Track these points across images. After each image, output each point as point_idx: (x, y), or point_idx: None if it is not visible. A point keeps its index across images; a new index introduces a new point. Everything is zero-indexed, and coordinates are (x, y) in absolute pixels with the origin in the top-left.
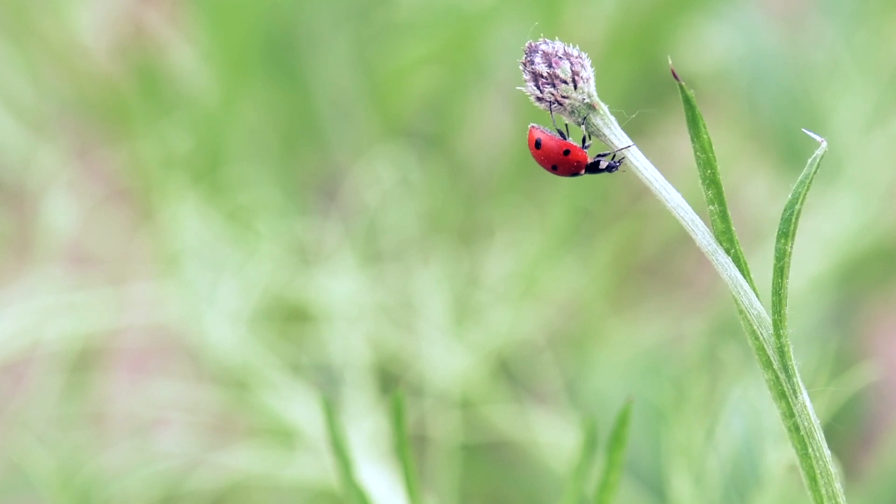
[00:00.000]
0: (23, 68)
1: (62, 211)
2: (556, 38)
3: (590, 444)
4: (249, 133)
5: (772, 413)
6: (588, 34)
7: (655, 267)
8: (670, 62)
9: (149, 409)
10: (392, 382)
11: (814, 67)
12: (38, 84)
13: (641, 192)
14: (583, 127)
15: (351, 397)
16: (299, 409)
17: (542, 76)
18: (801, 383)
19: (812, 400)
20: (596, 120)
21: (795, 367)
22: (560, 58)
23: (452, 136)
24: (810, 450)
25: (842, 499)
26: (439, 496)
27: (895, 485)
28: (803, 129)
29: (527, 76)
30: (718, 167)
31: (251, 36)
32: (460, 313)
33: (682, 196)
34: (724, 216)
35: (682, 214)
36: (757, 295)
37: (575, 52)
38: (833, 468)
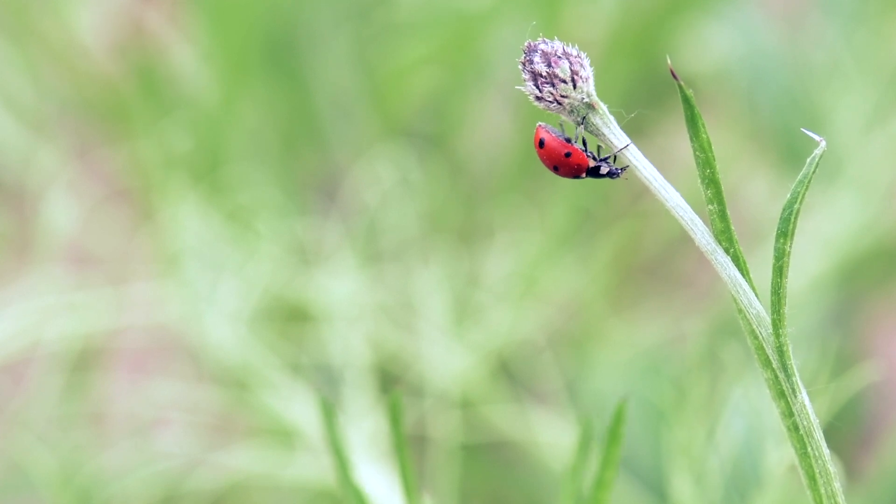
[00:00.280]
0: (23, 68)
1: (62, 211)
2: (556, 37)
3: (586, 442)
4: (249, 133)
5: (772, 413)
6: (588, 34)
7: (655, 267)
8: (669, 62)
9: (149, 409)
10: (392, 382)
11: (814, 67)
12: (38, 84)
13: (642, 192)
14: (580, 127)
15: (351, 397)
16: (299, 409)
17: (541, 76)
18: (800, 383)
19: (812, 399)
20: (595, 119)
21: (794, 367)
22: (559, 57)
23: (452, 136)
24: (809, 449)
25: (841, 498)
26: (439, 496)
27: (895, 485)
28: (803, 129)
29: (526, 76)
30: (717, 166)
31: (251, 36)
32: (460, 313)
33: (682, 196)
34: (723, 215)
35: (681, 214)
36: (756, 294)
37: (574, 52)
38: (832, 467)
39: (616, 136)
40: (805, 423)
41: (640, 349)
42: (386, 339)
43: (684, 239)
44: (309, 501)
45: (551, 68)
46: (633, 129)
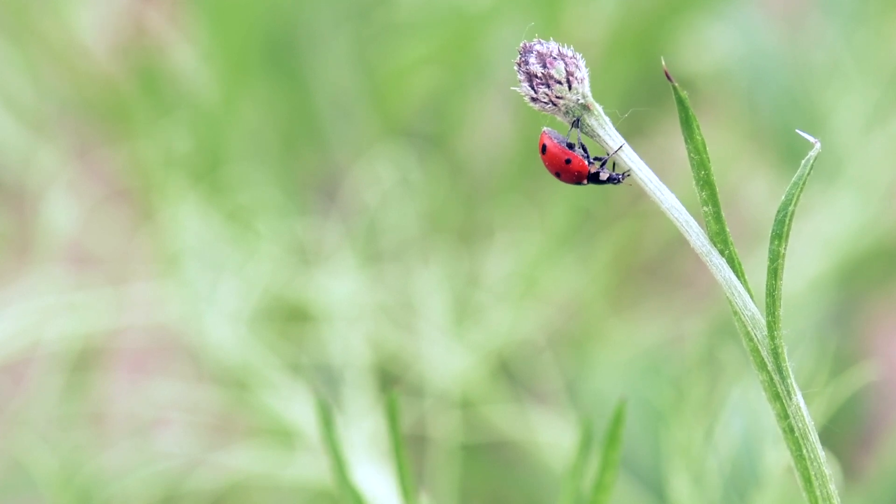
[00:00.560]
0: (23, 68)
1: (62, 211)
2: (553, 38)
3: (586, 443)
4: (249, 133)
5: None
6: (588, 34)
7: (655, 267)
8: (664, 64)
9: (149, 409)
10: (392, 382)
11: (814, 67)
12: (38, 84)
13: (641, 192)
14: (575, 130)
15: (351, 397)
16: (299, 409)
17: (536, 76)
18: (795, 385)
19: (812, 400)
20: (590, 120)
21: (790, 369)
22: (554, 58)
23: (452, 136)
24: (805, 451)
25: (837, 500)
26: (439, 496)
27: (895, 485)
28: (798, 131)
29: (521, 77)
30: (712, 168)
31: (251, 36)
32: (460, 313)
33: (680, 197)
34: (718, 217)
35: (676, 216)
36: (752, 296)
37: (569, 53)
38: (828, 469)
39: (611, 138)
40: (801, 425)
41: (640, 349)
42: (386, 339)
43: (684, 239)
44: (309, 501)
45: (546, 69)
46: (633, 129)
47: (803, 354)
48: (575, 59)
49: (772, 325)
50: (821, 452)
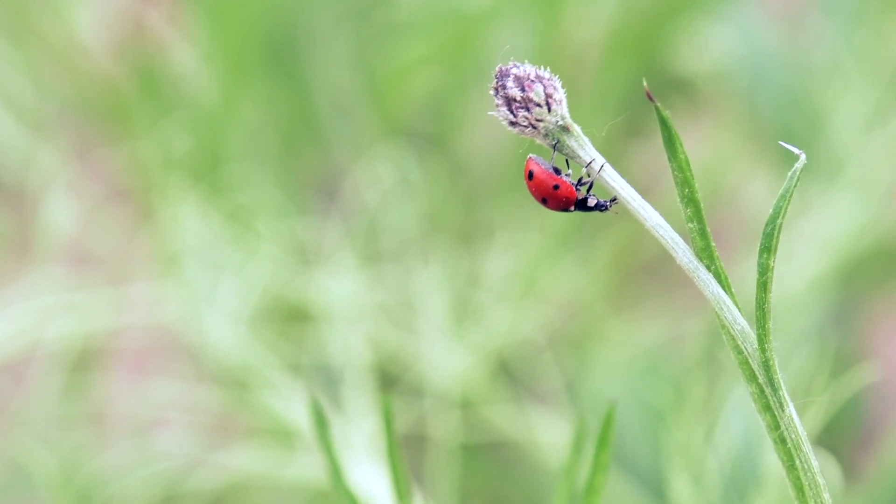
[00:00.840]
0: (23, 68)
1: (62, 211)
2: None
3: (579, 444)
4: (249, 133)
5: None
6: (588, 34)
7: (655, 267)
8: (645, 84)
9: (149, 409)
10: (392, 382)
11: (814, 67)
12: (38, 84)
13: (642, 192)
14: (556, 154)
15: (351, 397)
16: (299, 409)
17: (515, 100)
18: (787, 396)
19: (812, 402)
20: (570, 141)
21: (781, 381)
22: (532, 81)
23: (452, 136)
24: (798, 461)
25: None
26: (439, 496)
27: (895, 485)
28: (781, 143)
29: (499, 101)
30: (696, 186)
31: (251, 36)
32: (460, 313)
33: (676, 202)
34: (703, 233)
35: (661, 233)
36: (740, 309)
37: (546, 75)
38: (821, 479)
39: (591, 158)
40: (793, 435)
41: (639, 349)
42: (386, 339)
43: None
44: (309, 501)
45: (525, 92)
46: (633, 130)
47: (803, 356)
48: (552, 80)
49: (762, 337)
50: (814, 462)
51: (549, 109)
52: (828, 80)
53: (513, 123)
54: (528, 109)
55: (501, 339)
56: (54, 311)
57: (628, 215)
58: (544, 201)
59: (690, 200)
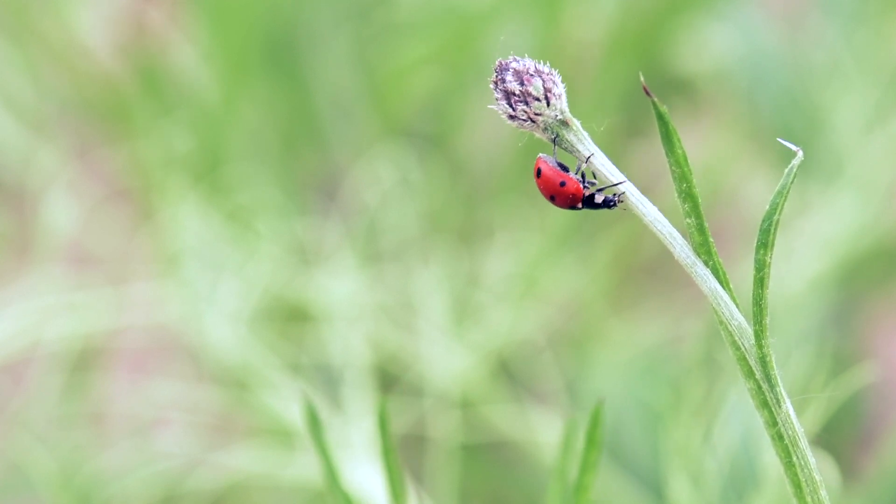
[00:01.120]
0: (23, 68)
1: (62, 211)
2: (556, 38)
3: (570, 444)
4: (249, 133)
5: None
6: (588, 34)
7: (655, 267)
8: (642, 79)
9: (149, 409)
10: (392, 382)
11: (814, 67)
12: (38, 84)
13: (641, 191)
14: (555, 145)
15: (351, 397)
16: (299, 409)
17: (514, 94)
18: (784, 393)
19: (811, 401)
20: (569, 136)
21: (778, 377)
22: (532, 75)
23: (452, 136)
24: (795, 458)
25: None
26: (439, 496)
27: (895, 485)
28: (779, 139)
29: (498, 95)
30: (694, 181)
31: (251, 36)
32: (460, 313)
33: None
34: (701, 229)
35: (660, 228)
36: (738, 305)
37: (546, 69)
38: (818, 476)
39: (591, 153)
40: (790, 432)
41: (639, 349)
42: (386, 339)
43: None
44: (309, 501)
45: (524, 86)
46: (632, 130)
47: (802, 356)
48: (552, 75)
49: (759, 333)
50: (811, 459)
51: (548, 104)
52: (828, 80)
53: (512, 117)
54: (526, 103)
55: (501, 339)
56: (54, 311)
57: (628, 215)
58: (552, 199)
59: (688, 196)
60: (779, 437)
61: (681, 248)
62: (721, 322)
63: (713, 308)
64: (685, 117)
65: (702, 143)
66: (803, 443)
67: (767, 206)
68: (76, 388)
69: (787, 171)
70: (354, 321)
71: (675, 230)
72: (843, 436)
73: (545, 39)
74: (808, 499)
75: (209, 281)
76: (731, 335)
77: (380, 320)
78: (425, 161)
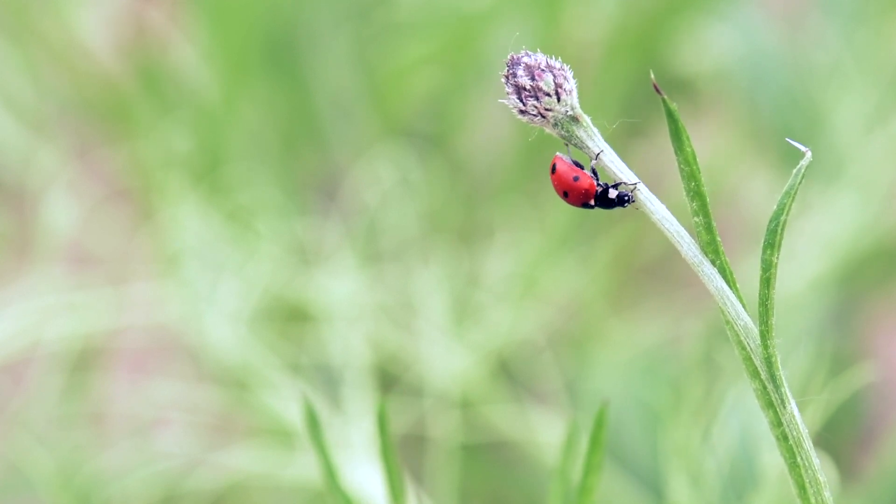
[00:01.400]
0: (23, 68)
1: (62, 211)
2: (553, 38)
3: (572, 445)
4: (249, 133)
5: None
6: (588, 34)
7: (655, 267)
8: (652, 76)
9: (149, 409)
10: (392, 382)
11: (814, 67)
12: (38, 84)
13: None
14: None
15: (351, 397)
16: (299, 409)
17: (525, 89)
18: (789, 393)
19: (811, 402)
20: (579, 132)
21: (783, 377)
22: (543, 70)
23: (452, 136)
24: (799, 459)
25: None
26: (439, 496)
27: (895, 485)
28: (787, 140)
29: (509, 89)
30: (703, 179)
31: (251, 36)
32: (460, 313)
33: (679, 199)
34: (709, 228)
35: (667, 226)
36: (744, 305)
37: (557, 65)
38: (822, 476)
39: (600, 149)
40: (794, 433)
41: (639, 349)
42: (386, 339)
43: None
44: (309, 501)
45: (535, 81)
46: (634, 130)
47: (802, 356)
48: (563, 70)
49: (765, 334)
50: (815, 460)
51: (559, 99)
52: (828, 80)
53: (522, 112)
54: (537, 98)
55: (501, 339)
56: (54, 311)
57: (629, 215)
58: (565, 195)
59: (696, 194)
60: (783, 438)
61: (688, 247)
62: (727, 322)
63: (719, 307)
64: (685, 117)
65: (702, 143)
66: (807, 443)
67: (775, 207)
68: (76, 388)
69: (795, 171)
70: (354, 321)
71: (682, 228)
72: (843, 436)
73: (545, 39)
74: (812, 500)
75: (209, 281)
76: (736, 335)
77: (380, 320)
78: (425, 161)
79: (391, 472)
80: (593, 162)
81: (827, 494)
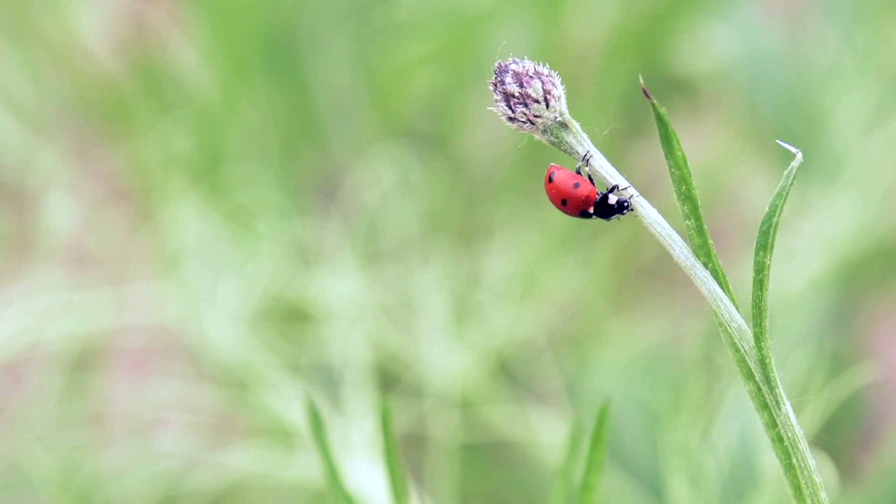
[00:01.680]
0: (23, 68)
1: (62, 211)
2: (554, 38)
3: (575, 444)
4: (249, 133)
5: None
6: (588, 34)
7: (655, 267)
8: (641, 81)
9: (149, 409)
10: (392, 382)
11: (814, 67)
12: (38, 84)
13: (642, 192)
14: (581, 164)
15: (351, 397)
16: (299, 409)
17: (513, 96)
18: (784, 394)
19: (811, 402)
20: (568, 138)
21: (778, 379)
22: (531, 77)
23: (452, 136)
24: (794, 460)
25: None
26: (439, 496)
27: (895, 485)
28: (778, 141)
29: (498, 96)
30: (693, 183)
31: (251, 36)
32: (460, 313)
33: (675, 204)
34: (700, 231)
35: (659, 230)
36: (737, 307)
37: (545, 71)
38: (818, 477)
39: (590, 154)
40: (790, 434)
41: (639, 349)
42: (386, 339)
43: None
44: (309, 501)
45: (524, 88)
46: (632, 130)
47: (801, 356)
48: (551, 76)
49: (759, 335)
50: (811, 461)
51: (548, 106)
52: (828, 80)
53: (511, 119)
54: (526, 105)
55: (501, 339)
56: (54, 311)
57: (629, 215)
58: (563, 203)
59: (687, 197)
60: (778, 439)
61: (680, 251)
62: (721, 324)
63: (713, 310)
64: (685, 117)
65: (702, 144)
66: (803, 445)
67: (767, 208)
68: (76, 388)
69: (786, 172)
70: (354, 321)
71: (674, 232)
72: (843, 436)
73: (545, 40)
74: (808, 501)
75: (209, 281)
76: (730, 337)
77: (380, 320)
78: (425, 161)
79: (394, 471)
80: (580, 165)
81: (823, 496)
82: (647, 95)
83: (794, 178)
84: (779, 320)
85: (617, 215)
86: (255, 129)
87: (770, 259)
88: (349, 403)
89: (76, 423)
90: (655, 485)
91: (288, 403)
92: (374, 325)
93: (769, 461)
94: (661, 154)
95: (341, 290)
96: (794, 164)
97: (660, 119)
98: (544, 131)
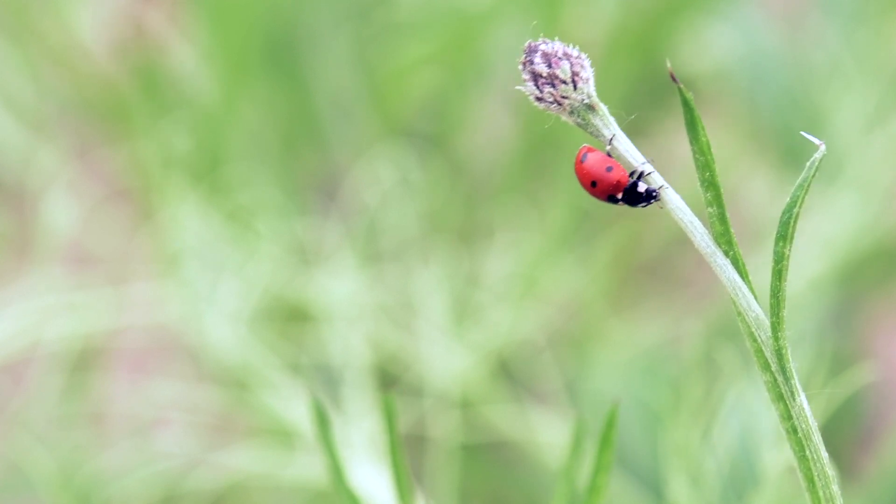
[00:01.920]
0: (23, 68)
1: (62, 211)
2: (556, 38)
3: (579, 443)
4: (249, 133)
5: (768, 414)
6: (588, 34)
7: (655, 267)
8: (669, 65)
9: (149, 409)
10: (392, 382)
11: (814, 67)
12: (38, 84)
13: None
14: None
15: (351, 397)
16: (299, 409)
17: (541, 76)
18: (798, 385)
19: (811, 401)
20: (595, 120)
21: (794, 370)
22: (560, 58)
23: (452, 136)
24: (808, 452)
25: (839, 501)
26: (439, 496)
27: (895, 485)
28: (803, 133)
29: (526, 76)
30: (717, 169)
31: (251, 36)
32: (460, 313)
33: (682, 197)
34: (722, 218)
35: (680, 216)
36: (755, 297)
37: (574, 53)
38: (831, 470)
39: (616, 136)
40: (804, 426)
41: (639, 349)
42: (386, 339)
43: (684, 239)
44: (309, 501)
45: (552, 69)
46: (634, 130)
47: (803, 355)
48: (580, 59)
49: (776, 326)
50: (824, 454)
51: (575, 87)
52: (828, 80)
53: (538, 99)
54: (553, 86)
55: (501, 339)
56: (54, 311)
57: (628, 213)
58: (593, 184)
59: (711, 184)
60: (793, 431)
61: (701, 237)
62: (738, 313)
63: (731, 298)
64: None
65: None
66: (816, 437)
67: (788, 199)
68: (76, 388)
69: (808, 163)
70: (354, 321)
71: (696, 219)
72: (843, 436)
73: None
74: (821, 493)
75: (209, 281)
76: (748, 326)
77: (380, 320)
78: (425, 161)
79: (398, 468)
80: (608, 148)
81: (835, 488)
82: (674, 80)
83: (817, 169)
84: None
85: (644, 203)
86: (255, 129)
87: (790, 249)
88: (349, 403)
89: (76, 423)
90: (655, 485)
91: (288, 403)
92: (374, 325)
93: (769, 461)
94: (662, 153)
95: (341, 290)
96: (818, 154)
97: (686, 104)
98: (571, 113)
